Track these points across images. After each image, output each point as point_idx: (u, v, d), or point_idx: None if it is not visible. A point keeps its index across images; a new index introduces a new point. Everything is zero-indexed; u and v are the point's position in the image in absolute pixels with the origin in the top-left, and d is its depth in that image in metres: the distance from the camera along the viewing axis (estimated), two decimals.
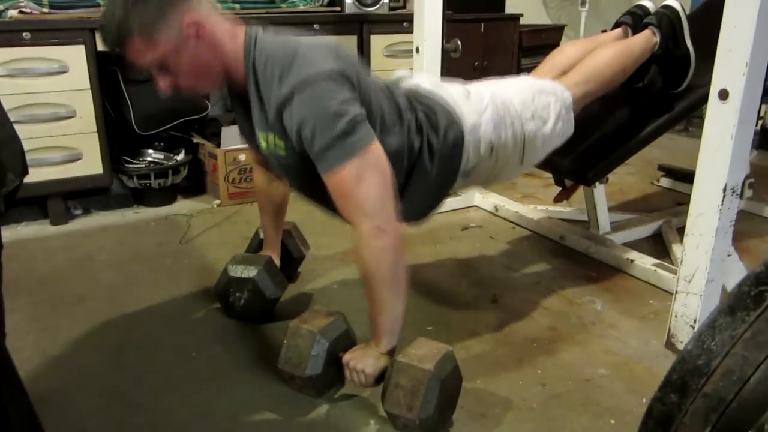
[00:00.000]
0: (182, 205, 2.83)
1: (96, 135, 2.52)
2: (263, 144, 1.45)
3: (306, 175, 1.42)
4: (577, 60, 1.91)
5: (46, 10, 2.45)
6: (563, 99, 1.76)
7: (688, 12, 2.07)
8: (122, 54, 1.35)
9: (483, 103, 1.62)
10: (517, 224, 2.58)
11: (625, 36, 2.06)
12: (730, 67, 1.44)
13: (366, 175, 1.32)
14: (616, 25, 2.10)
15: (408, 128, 1.49)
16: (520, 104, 1.68)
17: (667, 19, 1.98)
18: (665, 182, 3.07)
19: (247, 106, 1.45)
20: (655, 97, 2.12)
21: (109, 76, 2.66)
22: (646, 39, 1.97)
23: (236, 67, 1.41)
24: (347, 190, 1.33)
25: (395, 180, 1.46)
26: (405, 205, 1.55)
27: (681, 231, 1.73)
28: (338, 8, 3.02)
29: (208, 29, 1.36)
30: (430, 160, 1.53)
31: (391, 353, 1.42)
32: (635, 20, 2.05)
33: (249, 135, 1.56)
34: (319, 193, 1.43)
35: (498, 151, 1.64)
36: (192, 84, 1.43)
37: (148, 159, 2.82)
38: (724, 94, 1.45)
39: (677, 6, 2.00)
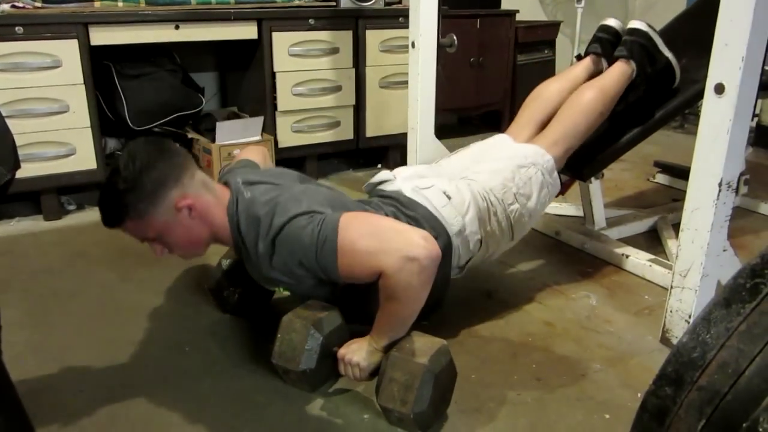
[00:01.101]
0: None
1: (89, 130, 2.51)
2: (278, 293, 1.53)
3: (334, 294, 1.48)
4: (555, 104, 1.94)
5: (39, 4, 2.44)
6: (544, 164, 1.79)
7: (685, 7, 2.07)
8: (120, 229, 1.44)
9: (465, 205, 1.64)
10: None
11: (597, 65, 2.07)
12: (726, 61, 1.43)
13: (361, 229, 1.35)
14: (587, 55, 2.10)
15: None
16: (501, 188, 1.72)
17: (637, 46, 1.98)
18: (661, 178, 3.07)
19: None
20: (649, 92, 2.12)
21: (103, 70, 2.65)
22: (621, 72, 1.98)
23: (224, 232, 1.49)
24: (358, 254, 1.33)
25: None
26: None
27: (676, 227, 1.73)
28: (333, 3, 3.01)
29: (199, 206, 1.44)
30: None
31: (386, 349, 1.41)
32: (604, 47, 2.05)
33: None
34: (352, 302, 1.50)
35: (488, 241, 1.69)
36: (185, 253, 1.53)
37: None
38: (720, 88, 1.45)
39: (643, 27, 2.00)
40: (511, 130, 1.98)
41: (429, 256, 1.31)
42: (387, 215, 1.56)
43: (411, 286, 1.32)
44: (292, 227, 1.37)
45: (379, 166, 3.31)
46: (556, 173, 1.83)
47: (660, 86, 2.06)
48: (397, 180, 1.72)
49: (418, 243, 1.31)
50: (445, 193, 1.64)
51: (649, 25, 2.01)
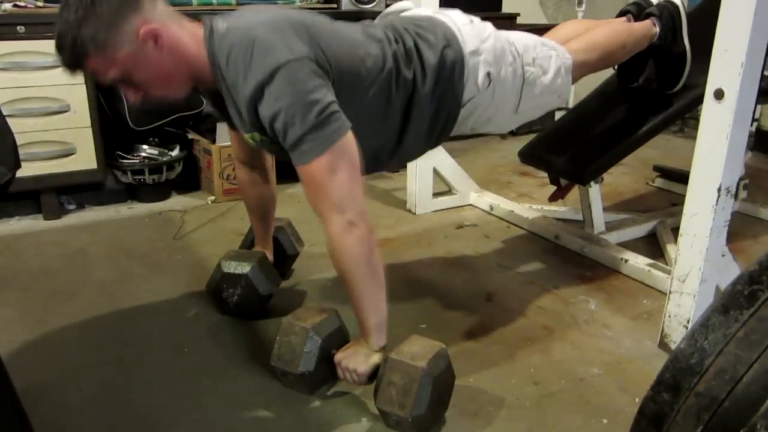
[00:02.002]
0: (176, 201, 2.82)
1: (90, 129, 2.51)
2: (250, 142, 1.44)
3: None
4: (580, 33, 1.90)
5: (40, 3, 2.44)
6: (564, 58, 1.75)
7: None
8: (83, 72, 1.33)
9: (485, 32, 1.60)
10: (511, 223, 2.58)
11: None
12: (726, 66, 1.44)
13: (338, 169, 1.31)
14: (621, 15, 2.10)
15: (395, 61, 1.46)
16: (523, 47, 1.67)
17: (668, 11, 1.98)
18: (660, 183, 3.08)
19: (223, 105, 1.43)
20: (650, 96, 2.12)
21: None
22: (647, 27, 1.97)
23: (203, 68, 1.36)
24: (319, 183, 1.31)
25: (396, 120, 1.47)
26: (412, 140, 1.55)
27: (675, 231, 1.73)
28: (335, 5, 3.01)
29: (166, 35, 1.31)
30: (423, 84, 1.50)
31: (384, 350, 1.41)
32: (639, 10, 2.06)
33: (234, 129, 1.55)
34: None
35: (496, 85, 1.61)
36: (160, 92, 1.38)
37: (143, 154, 2.81)
38: (719, 94, 1.45)
39: (678, 2, 2.01)
40: None
41: (366, 225, 1.32)
42: (387, 29, 1.51)
43: (353, 253, 1.33)
44: (290, 85, 1.26)
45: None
46: (570, 77, 1.77)
47: (667, 74, 2.06)
48: (420, 8, 1.71)
49: (361, 210, 1.32)
50: (469, 17, 1.63)
51: (683, 5, 2.01)
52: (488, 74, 1.58)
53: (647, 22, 1.99)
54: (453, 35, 1.55)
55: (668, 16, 1.98)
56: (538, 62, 1.69)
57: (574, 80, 1.81)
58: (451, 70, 1.53)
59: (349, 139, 1.33)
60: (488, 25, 1.65)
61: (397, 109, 1.50)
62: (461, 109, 1.60)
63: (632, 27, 1.96)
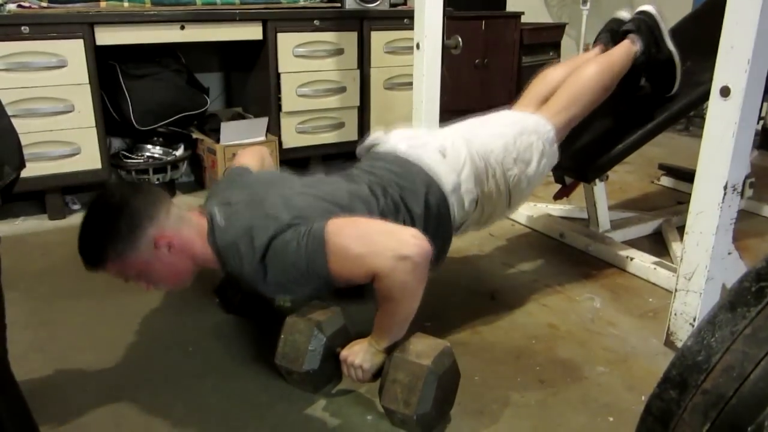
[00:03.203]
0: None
1: (94, 129, 2.51)
2: (280, 302, 1.54)
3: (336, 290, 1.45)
4: (559, 85, 1.91)
5: (45, 4, 2.44)
6: (545, 134, 1.77)
7: (690, 11, 2.07)
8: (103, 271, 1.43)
9: (460, 161, 1.62)
10: (516, 222, 2.57)
11: (605, 51, 2.05)
12: (732, 63, 1.43)
13: (348, 234, 1.33)
14: (595, 43, 2.09)
15: (381, 214, 1.48)
16: (501, 151, 1.70)
17: (645, 24, 1.97)
18: (665, 181, 3.07)
19: None
20: (654, 94, 2.11)
21: (108, 70, 2.66)
22: (626, 50, 1.96)
23: (210, 261, 1.48)
24: (349, 259, 1.32)
25: None
26: None
27: (681, 230, 1.72)
28: (338, 4, 3.01)
29: (178, 242, 1.42)
30: None
31: (389, 350, 1.41)
32: (613, 35, 2.04)
33: None
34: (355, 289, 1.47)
35: (483, 202, 1.67)
36: (171, 285, 1.53)
37: (147, 154, 2.81)
38: (725, 91, 1.45)
39: (652, 10, 1.99)
40: (515, 107, 1.97)
41: (420, 252, 1.30)
42: (371, 185, 1.53)
43: (406, 285, 1.31)
44: (277, 246, 1.35)
45: None
46: (556, 145, 1.80)
47: (660, 83, 2.05)
48: (390, 141, 1.71)
49: (408, 241, 1.30)
50: (440, 150, 1.63)
51: (658, 12, 2.00)
52: (473, 198, 1.63)
53: (625, 44, 1.97)
54: (431, 179, 1.58)
55: (647, 30, 1.97)
56: (520, 158, 1.72)
57: (562, 139, 1.84)
58: (437, 212, 1.57)
59: (335, 221, 1.36)
60: (462, 150, 1.64)
61: None
62: (457, 231, 1.68)
63: (611, 62, 1.93)
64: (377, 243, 1.31)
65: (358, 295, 1.51)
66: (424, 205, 1.53)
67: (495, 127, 1.77)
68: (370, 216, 1.46)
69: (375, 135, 1.75)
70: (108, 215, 1.38)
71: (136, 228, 1.38)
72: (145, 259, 1.40)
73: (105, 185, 1.45)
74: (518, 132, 1.74)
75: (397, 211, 1.51)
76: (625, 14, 2.09)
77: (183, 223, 1.45)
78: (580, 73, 1.89)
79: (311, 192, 1.50)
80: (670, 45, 1.99)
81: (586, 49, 2.16)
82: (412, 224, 1.51)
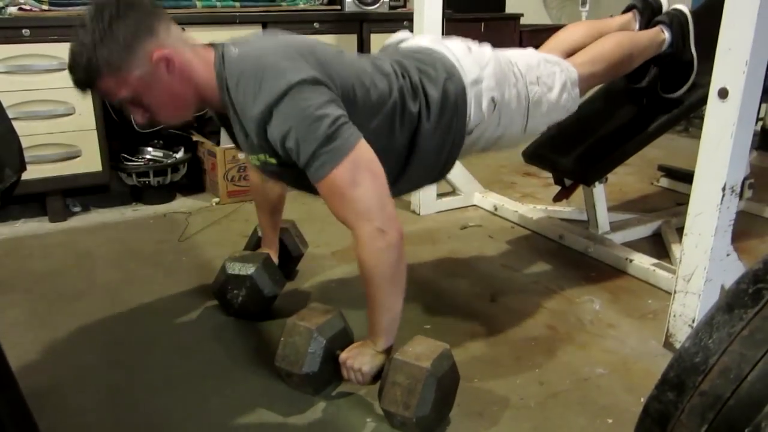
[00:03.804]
0: (181, 203, 2.83)
1: (95, 132, 2.52)
2: (256, 163, 1.45)
3: (304, 180, 1.38)
4: (582, 42, 1.89)
5: (45, 7, 2.45)
6: (569, 72, 1.74)
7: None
8: (93, 92, 1.35)
9: (485, 58, 1.60)
10: (516, 224, 2.58)
11: (632, 21, 2.06)
12: (730, 65, 1.43)
13: (359, 178, 1.30)
14: (627, 10, 2.10)
15: (401, 95, 1.47)
16: (525, 66, 1.67)
17: (677, 20, 1.97)
18: (665, 182, 3.07)
19: (230, 127, 1.44)
20: (654, 97, 2.12)
21: None
22: (655, 35, 1.96)
23: (211, 92, 1.38)
24: (341, 195, 1.30)
25: (399, 151, 1.46)
26: (416, 171, 1.55)
27: (680, 231, 1.72)
28: (338, 7, 3.02)
29: (178, 60, 1.33)
30: (428, 118, 1.50)
31: (388, 351, 1.41)
32: (645, 7, 2.04)
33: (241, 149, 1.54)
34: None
35: (501, 108, 1.61)
36: (168, 114, 1.41)
37: (147, 157, 2.82)
38: (723, 93, 1.45)
39: (686, 10, 2.00)
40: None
41: (397, 231, 1.31)
42: (394, 64, 1.52)
43: (382, 261, 1.32)
44: (298, 105, 1.27)
45: None
46: (577, 90, 1.77)
47: (671, 79, 2.05)
48: (417, 37, 1.70)
49: (390, 216, 1.31)
50: (467, 44, 1.62)
51: (691, 15, 2.01)
52: (492, 99, 1.58)
53: (655, 30, 1.97)
54: (453, 67, 1.56)
55: (678, 24, 1.97)
56: (543, 80, 1.68)
57: (583, 92, 1.81)
58: (454, 102, 1.53)
59: (364, 147, 1.32)
60: (487, 50, 1.65)
61: (400, 143, 1.49)
62: (468, 137, 1.61)
63: (638, 37, 1.94)
64: (370, 203, 1.30)
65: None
66: (442, 91, 1.50)
67: (520, 50, 1.76)
68: (390, 90, 1.45)
69: (400, 33, 1.74)
70: (105, 23, 1.26)
71: (133, 37, 1.27)
72: (141, 76, 1.30)
73: None
74: (543, 59, 1.73)
75: (415, 94, 1.49)
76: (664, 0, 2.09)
77: (185, 45, 1.37)
78: (609, 37, 1.88)
79: (338, 54, 1.44)
80: (693, 49, 2.00)
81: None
82: (428, 109, 1.50)
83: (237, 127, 1.40)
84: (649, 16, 2.04)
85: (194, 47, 1.39)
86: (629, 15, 2.07)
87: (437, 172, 1.63)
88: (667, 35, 1.97)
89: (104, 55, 1.26)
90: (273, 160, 1.39)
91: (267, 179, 1.82)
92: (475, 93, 1.56)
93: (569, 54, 1.85)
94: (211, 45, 1.41)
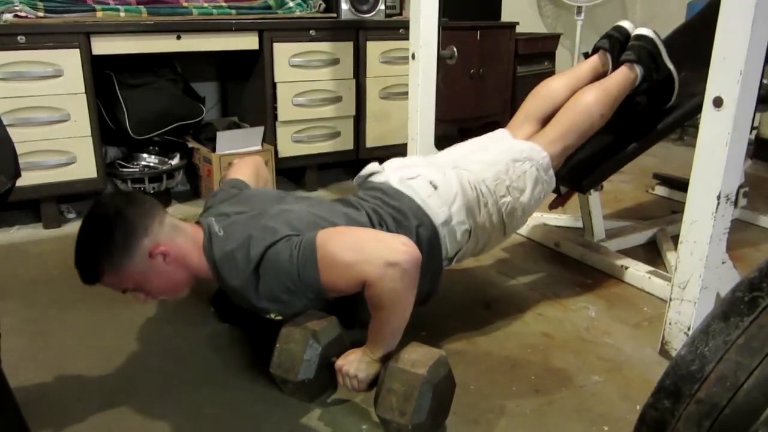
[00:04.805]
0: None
1: (90, 139, 2.51)
2: (271, 316, 1.50)
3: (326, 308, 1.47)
4: (557, 102, 1.92)
5: (41, 14, 2.44)
6: (539, 161, 1.78)
7: (684, 20, 2.08)
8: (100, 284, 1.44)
9: (452, 193, 1.63)
10: None
11: (604, 62, 2.05)
12: (725, 74, 1.44)
13: (338, 244, 1.35)
14: (595, 50, 2.09)
15: None
16: (493, 180, 1.70)
17: (645, 51, 1.97)
18: (660, 190, 3.08)
19: None
20: (647, 108, 2.12)
21: (104, 80, 2.66)
22: (625, 76, 1.96)
23: (205, 272, 1.49)
24: (339, 268, 1.34)
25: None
26: None
27: (675, 239, 1.73)
28: (334, 15, 3.02)
29: (174, 251, 1.44)
30: None
31: (384, 359, 1.41)
32: (612, 44, 2.04)
33: None
34: (346, 310, 1.51)
35: (477, 233, 1.68)
36: (169, 296, 1.54)
37: (143, 163, 2.82)
38: (718, 102, 1.46)
39: (650, 34, 1.99)
40: (511, 125, 1.97)
41: (410, 259, 1.31)
42: (369, 211, 1.56)
43: (396, 292, 1.32)
44: (270, 256, 1.37)
45: None
46: (551, 171, 1.81)
47: (658, 98, 2.07)
48: (385, 171, 1.73)
49: (398, 248, 1.32)
50: (431, 182, 1.64)
51: (656, 33, 2.01)
52: (466, 229, 1.65)
53: (624, 70, 1.96)
54: (423, 213, 1.60)
55: (647, 57, 1.96)
56: (514, 186, 1.73)
57: (558, 166, 1.85)
58: (428, 246, 1.58)
59: (325, 231, 1.39)
60: (453, 181, 1.66)
61: None
62: (450, 263, 1.69)
63: (609, 90, 1.92)
64: (367, 251, 1.33)
65: (349, 313, 1.52)
66: (415, 239, 1.53)
67: (488, 155, 1.78)
68: None
69: (370, 166, 1.77)
70: (102, 228, 1.40)
71: (130, 239, 1.39)
72: (141, 270, 1.41)
73: (99, 196, 1.45)
74: (511, 159, 1.76)
75: None
76: (626, 24, 2.08)
77: (178, 233, 1.47)
78: (578, 102, 1.90)
79: (310, 210, 1.52)
80: (669, 63, 2.00)
81: (585, 56, 2.15)
82: None
83: (237, 296, 1.48)
84: (619, 50, 2.04)
85: (185, 232, 1.49)
86: (599, 56, 2.06)
87: (419, 301, 1.60)
88: (638, 71, 1.96)
89: (105, 257, 1.38)
90: (281, 317, 1.47)
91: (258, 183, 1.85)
92: (448, 231, 1.62)
93: (544, 119, 1.90)
94: (199, 223, 1.53)
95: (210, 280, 1.52)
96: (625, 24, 2.08)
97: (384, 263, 1.29)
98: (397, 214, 1.58)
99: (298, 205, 1.56)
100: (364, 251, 1.33)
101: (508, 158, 1.76)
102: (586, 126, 1.88)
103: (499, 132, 1.95)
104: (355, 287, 1.35)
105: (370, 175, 1.75)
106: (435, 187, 1.63)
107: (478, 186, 1.68)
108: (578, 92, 1.94)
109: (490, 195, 1.69)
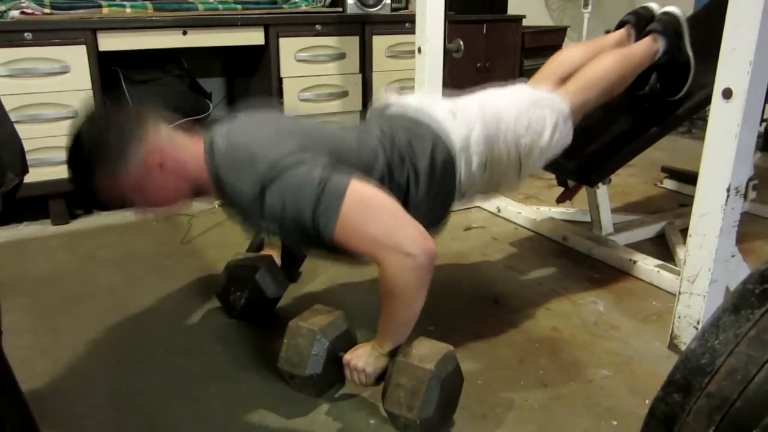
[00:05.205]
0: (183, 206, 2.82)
1: None
2: (264, 235, 1.46)
3: (322, 248, 1.40)
4: (577, 65, 1.89)
5: (47, 10, 2.45)
6: (559, 110, 1.74)
7: (690, 13, 2.06)
8: (94, 195, 1.38)
9: (471, 121, 1.60)
10: (519, 225, 2.57)
11: (628, 36, 2.04)
12: (734, 65, 1.43)
13: (367, 213, 1.30)
14: (620, 25, 2.09)
15: (388, 168, 1.47)
16: (514, 118, 1.66)
17: (671, 26, 1.96)
18: (668, 184, 3.06)
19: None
20: (657, 100, 2.11)
21: (111, 76, 2.66)
22: (647, 46, 1.95)
23: (205, 184, 1.42)
24: (357, 237, 1.29)
25: None
26: None
27: (684, 232, 1.72)
28: (340, 9, 3.02)
29: (170, 160, 1.37)
30: (417, 188, 1.50)
31: (392, 354, 1.41)
32: (638, 20, 2.03)
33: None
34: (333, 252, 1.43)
35: (492, 166, 1.63)
36: (166, 205, 1.45)
37: None
38: (728, 93, 1.44)
39: (678, 12, 1.98)
40: (530, 82, 1.95)
41: (425, 252, 1.29)
42: (381, 135, 1.52)
43: (408, 283, 1.30)
44: (285, 180, 1.29)
45: None
46: (570, 123, 1.76)
47: (671, 85, 2.05)
48: (402, 100, 1.71)
49: (417, 238, 1.29)
50: (450, 110, 1.62)
51: (683, 15, 2.00)
52: (482, 161, 1.60)
53: (647, 41, 1.96)
54: (438, 136, 1.55)
55: (671, 30, 1.96)
56: (532, 128, 1.68)
57: (576, 120, 1.81)
58: (442, 171, 1.53)
59: (359, 184, 1.31)
60: (473, 109, 1.63)
61: None
62: (463, 195, 1.63)
63: (631, 54, 1.92)
64: (390, 232, 1.29)
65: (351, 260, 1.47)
66: (429, 161, 1.50)
67: (509, 97, 1.74)
68: (375, 161, 1.45)
69: (386, 96, 1.74)
70: (95, 133, 1.33)
71: (124, 147, 1.32)
72: (136, 180, 1.35)
73: (89, 105, 1.38)
74: (532, 103, 1.71)
75: (402, 165, 1.49)
76: (654, 5, 2.08)
77: (175, 142, 1.40)
78: (600, 61, 1.88)
79: (322, 129, 1.46)
80: (689, 49, 1.99)
81: (607, 32, 2.14)
82: (416, 179, 1.50)
83: (236, 211, 1.43)
84: (644, 27, 2.03)
85: (183, 142, 1.42)
86: (624, 30, 2.06)
87: (430, 232, 1.62)
88: (660, 44, 1.95)
89: (99, 164, 1.32)
90: (277, 233, 1.41)
91: None
92: (465, 158, 1.57)
93: (564, 79, 1.87)
94: (200, 133, 1.44)
95: (210, 195, 1.45)
96: (652, 5, 2.07)
97: (402, 253, 1.27)
98: (410, 136, 1.53)
99: (310, 124, 1.48)
100: (388, 232, 1.29)
101: (529, 101, 1.72)
102: (607, 84, 1.84)
103: (519, 84, 1.92)
104: (362, 255, 1.32)
105: (387, 105, 1.71)
106: (454, 115, 1.61)
107: (498, 120, 1.64)
108: (600, 55, 1.92)
109: (510, 131, 1.64)
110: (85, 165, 1.34)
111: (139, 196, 1.38)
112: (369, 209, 1.30)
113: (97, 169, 1.33)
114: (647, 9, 2.06)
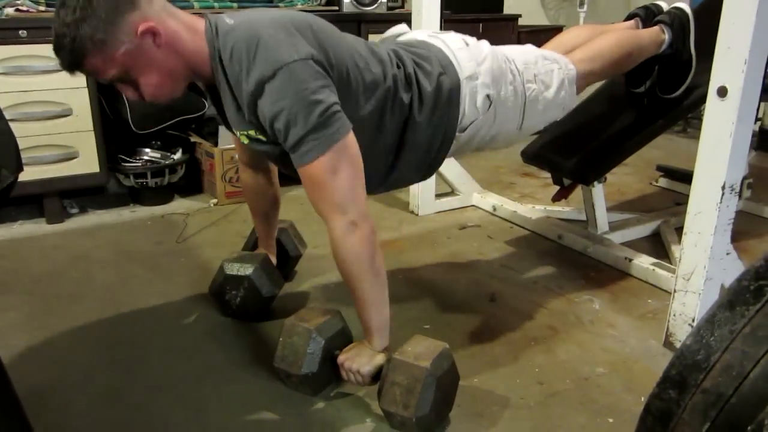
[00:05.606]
0: (179, 204, 2.82)
1: (92, 133, 2.51)
2: (244, 140, 1.43)
3: (290, 162, 1.36)
4: (585, 40, 1.89)
5: (42, 8, 2.44)
6: (567, 70, 1.73)
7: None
8: (83, 73, 1.32)
9: (482, 54, 1.58)
10: (515, 224, 2.57)
11: (636, 26, 2.06)
12: (729, 64, 1.43)
13: (340, 168, 1.30)
14: (629, 17, 2.10)
15: (394, 83, 1.45)
16: (523, 64, 1.66)
17: (678, 20, 1.98)
18: (663, 182, 3.07)
19: (220, 102, 1.42)
20: (653, 98, 2.12)
21: None
22: (655, 34, 1.96)
23: (203, 63, 1.35)
24: (321, 183, 1.31)
25: (389, 143, 1.46)
26: (406, 165, 1.54)
27: (679, 231, 1.72)
28: (336, 7, 3.01)
29: (165, 31, 1.29)
30: (420, 110, 1.49)
31: (386, 350, 1.41)
32: (648, 15, 2.05)
33: (229, 128, 1.51)
34: None
35: (497, 106, 1.60)
36: (159, 90, 1.36)
37: (145, 158, 2.81)
38: (722, 91, 1.45)
39: (687, 9, 2.00)
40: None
41: (369, 225, 1.33)
42: (391, 54, 1.50)
43: (358, 254, 1.33)
44: (292, 83, 1.24)
45: None
46: (575, 88, 1.76)
47: (670, 81, 2.05)
48: (415, 30, 1.70)
49: (362, 211, 1.32)
50: (463, 39, 1.61)
51: (692, 12, 2.01)
52: (487, 96, 1.57)
53: (655, 29, 1.97)
54: (449, 61, 1.54)
55: (679, 24, 1.97)
56: (540, 78, 1.67)
57: (580, 90, 1.80)
58: (447, 96, 1.52)
59: (352, 140, 1.32)
60: (485, 46, 1.63)
61: (390, 133, 1.48)
62: (462, 134, 1.59)
63: (639, 35, 1.94)
64: (345, 194, 1.31)
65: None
66: (436, 85, 1.49)
67: (519, 48, 1.74)
68: (383, 77, 1.43)
69: (399, 26, 1.74)
70: (84, 0, 1.23)
71: (114, 11, 1.23)
72: (128, 51, 1.26)
73: None
74: (542, 56, 1.71)
75: (408, 85, 1.48)
76: (663, 3, 2.10)
77: (171, 15, 1.33)
78: (609, 35, 1.89)
79: (335, 32, 1.42)
80: (692, 48, 2.00)
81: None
82: (420, 102, 1.49)
83: (228, 99, 1.37)
84: (652, 19, 2.05)
85: (181, 17, 1.35)
86: (632, 22, 2.08)
87: (426, 167, 1.62)
88: (667, 35, 1.97)
89: (87, 32, 1.23)
90: (262, 137, 1.37)
91: (259, 181, 1.81)
92: (470, 89, 1.54)
93: (571, 51, 1.85)
94: (202, 15, 1.38)
95: (206, 78, 1.39)
96: (662, 3, 2.09)
97: (350, 220, 1.31)
98: (419, 59, 1.52)
99: (324, 25, 1.43)
100: (346, 194, 1.31)
101: (538, 53, 1.72)
102: (614, 56, 1.84)
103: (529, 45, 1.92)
104: (314, 205, 1.35)
105: (398, 36, 1.70)
106: (467, 44, 1.60)
107: (508, 60, 1.63)
108: (608, 30, 1.93)
109: (518, 75, 1.63)
110: (74, 34, 1.23)
111: (130, 71, 1.30)
112: (344, 165, 1.31)
113: (85, 39, 1.23)
114: (657, 6, 2.08)
